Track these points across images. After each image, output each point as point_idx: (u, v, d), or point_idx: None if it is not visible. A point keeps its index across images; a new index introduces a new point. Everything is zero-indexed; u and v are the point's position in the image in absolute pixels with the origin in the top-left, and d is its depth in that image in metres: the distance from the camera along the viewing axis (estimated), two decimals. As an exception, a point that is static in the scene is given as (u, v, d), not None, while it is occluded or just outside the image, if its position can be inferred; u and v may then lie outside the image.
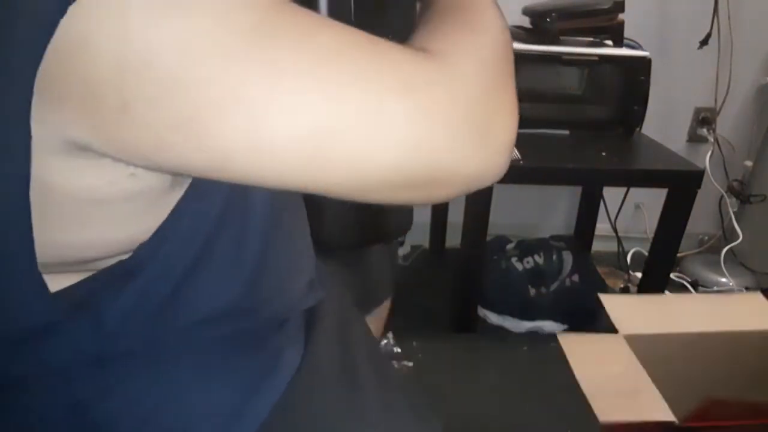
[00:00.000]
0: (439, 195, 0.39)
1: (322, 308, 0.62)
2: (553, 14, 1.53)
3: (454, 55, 0.39)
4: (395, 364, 1.47)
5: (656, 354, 0.77)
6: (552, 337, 1.63)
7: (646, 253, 1.69)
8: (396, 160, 0.35)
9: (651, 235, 1.60)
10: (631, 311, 0.84)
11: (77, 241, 0.38)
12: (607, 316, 0.82)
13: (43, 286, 0.39)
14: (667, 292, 1.69)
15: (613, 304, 0.85)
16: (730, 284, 1.87)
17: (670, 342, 0.81)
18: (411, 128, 0.35)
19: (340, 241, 0.72)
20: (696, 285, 1.90)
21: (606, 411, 0.68)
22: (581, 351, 0.76)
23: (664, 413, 0.67)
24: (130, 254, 0.42)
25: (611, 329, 0.85)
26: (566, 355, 0.74)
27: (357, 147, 0.34)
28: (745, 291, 1.87)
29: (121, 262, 0.42)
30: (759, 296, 0.93)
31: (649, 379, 0.72)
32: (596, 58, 1.56)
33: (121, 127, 0.32)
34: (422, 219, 1.92)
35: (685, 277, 1.93)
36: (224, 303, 0.49)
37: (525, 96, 1.74)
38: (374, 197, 0.38)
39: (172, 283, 0.45)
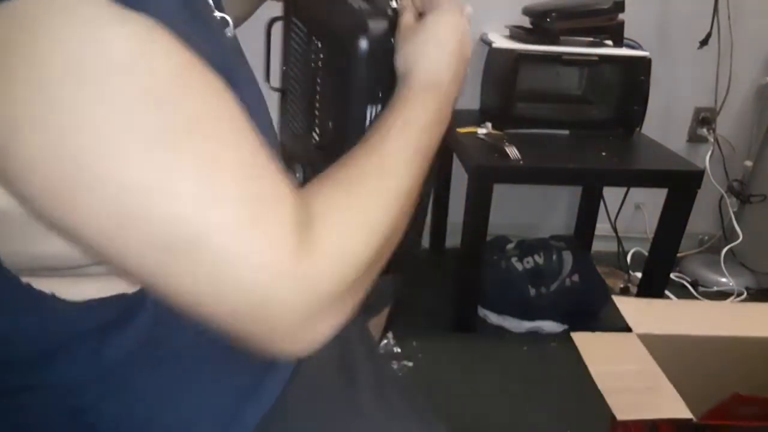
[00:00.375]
0: (245, 345, 0.39)
1: None
2: (553, 14, 1.53)
3: (334, 244, 0.39)
4: (395, 364, 1.47)
5: (671, 354, 0.77)
6: (552, 337, 1.64)
7: (646, 253, 1.70)
8: (221, 304, 0.36)
9: (651, 235, 1.60)
10: (644, 313, 0.84)
11: (45, 251, 0.38)
12: (621, 316, 0.82)
13: (24, 285, 0.39)
14: (667, 292, 1.70)
15: (626, 305, 0.84)
16: (730, 284, 1.87)
17: (685, 343, 0.81)
18: (252, 289, 0.35)
19: None
20: (696, 285, 1.90)
21: (622, 408, 0.67)
22: (595, 349, 0.76)
23: (680, 411, 0.67)
24: (134, 291, 0.42)
25: (614, 329, 0.85)
26: (580, 353, 0.74)
27: (202, 275, 0.35)
28: (746, 293, 1.88)
29: (124, 297, 0.42)
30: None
31: (665, 378, 0.72)
32: (596, 58, 1.56)
33: (3, 171, 0.32)
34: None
35: (685, 277, 1.93)
36: None
37: (525, 96, 1.75)
38: (198, 320, 0.38)
39: (177, 314, 0.45)
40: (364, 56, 0.51)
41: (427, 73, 0.51)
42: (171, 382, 0.48)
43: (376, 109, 0.54)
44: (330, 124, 0.55)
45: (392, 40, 0.52)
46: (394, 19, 0.54)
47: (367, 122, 0.54)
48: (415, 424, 0.58)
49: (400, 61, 0.53)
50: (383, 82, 0.53)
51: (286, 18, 0.67)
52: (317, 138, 0.59)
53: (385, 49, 0.52)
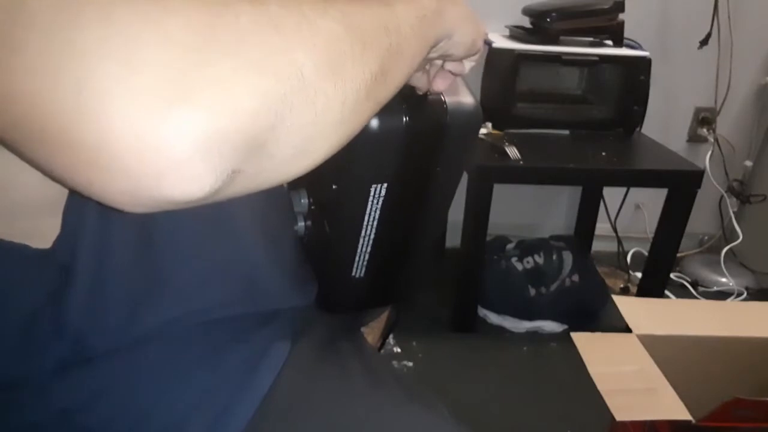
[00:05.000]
0: (76, 170, 0.27)
1: (312, 317, 0.62)
2: (553, 14, 1.53)
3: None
4: (395, 364, 1.48)
5: (671, 355, 0.77)
6: (552, 337, 1.64)
7: (646, 253, 1.70)
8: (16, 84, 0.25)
9: (651, 235, 1.60)
10: (644, 313, 0.84)
11: None
12: (621, 316, 0.82)
13: None
14: (667, 292, 1.70)
15: (626, 305, 0.85)
16: (730, 284, 1.87)
17: (685, 344, 0.81)
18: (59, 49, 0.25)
19: (351, 307, 0.68)
20: (696, 285, 1.90)
21: (621, 409, 0.67)
22: (595, 349, 0.76)
23: (680, 412, 0.67)
24: (51, 245, 0.41)
25: (614, 329, 0.85)
26: (580, 353, 0.74)
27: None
28: (746, 293, 1.87)
29: (45, 253, 0.41)
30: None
31: (664, 379, 0.72)
32: (596, 58, 1.56)
33: None
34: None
35: (685, 277, 1.93)
36: (198, 300, 0.49)
37: (525, 96, 1.75)
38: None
39: (117, 278, 0.44)
40: (375, 131, 0.47)
41: None
42: (163, 378, 0.48)
43: (381, 187, 0.51)
44: (333, 186, 0.52)
45: (405, 118, 0.48)
46: (411, 98, 0.49)
47: (371, 198, 0.52)
48: (412, 406, 0.57)
49: None
50: (393, 162, 0.50)
51: None
52: (320, 192, 0.56)
53: (398, 128, 0.48)
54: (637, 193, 1.86)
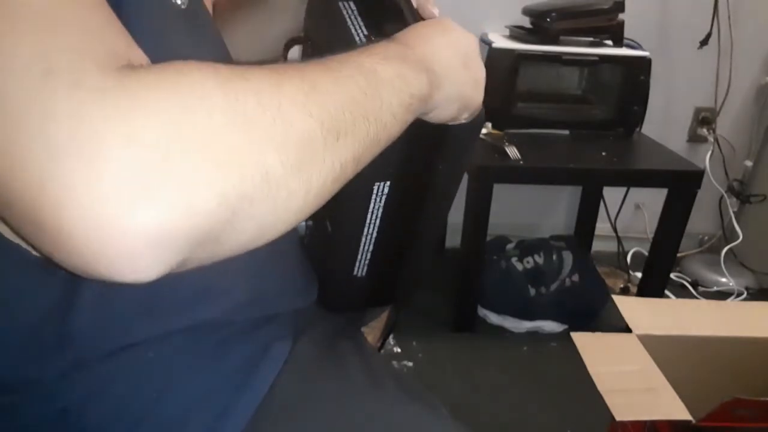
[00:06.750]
0: (47, 243, 0.28)
1: (313, 316, 0.62)
2: (553, 14, 1.53)
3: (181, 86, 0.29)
4: (395, 364, 1.48)
5: (671, 355, 0.77)
6: (552, 337, 1.64)
7: (646, 253, 1.70)
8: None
9: (651, 235, 1.60)
10: (644, 313, 0.84)
11: None
12: (621, 316, 0.82)
13: None
14: (667, 292, 1.70)
15: (626, 305, 0.85)
16: (730, 284, 1.87)
17: (685, 344, 0.81)
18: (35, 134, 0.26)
19: (349, 306, 0.68)
20: (696, 285, 1.90)
21: (621, 409, 0.67)
22: (595, 349, 0.76)
23: (680, 412, 0.67)
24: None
25: (614, 329, 0.85)
26: (580, 353, 0.74)
27: None
28: (746, 293, 1.87)
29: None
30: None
31: (664, 379, 0.72)
32: (596, 58, 1.56)
33: None
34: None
35: (685, 277, 1.93)
36: (199, 310, 0.49)
37: (525, 96, 1.75)
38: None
39: (123, 289, 0.44)
40: None
41: (415, 42, 0.44)
42: (164, 377, 0.48)
43: (384, 185, 0.51)
44: None
45: None
46: None
47: (373, 197, 0.51)
48: (413, 406, 0.57)
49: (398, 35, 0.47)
50: (396, 160, 0.49)
51: (305, 41, 0.64)
52: None
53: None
54: (637, 193, 1.86)
